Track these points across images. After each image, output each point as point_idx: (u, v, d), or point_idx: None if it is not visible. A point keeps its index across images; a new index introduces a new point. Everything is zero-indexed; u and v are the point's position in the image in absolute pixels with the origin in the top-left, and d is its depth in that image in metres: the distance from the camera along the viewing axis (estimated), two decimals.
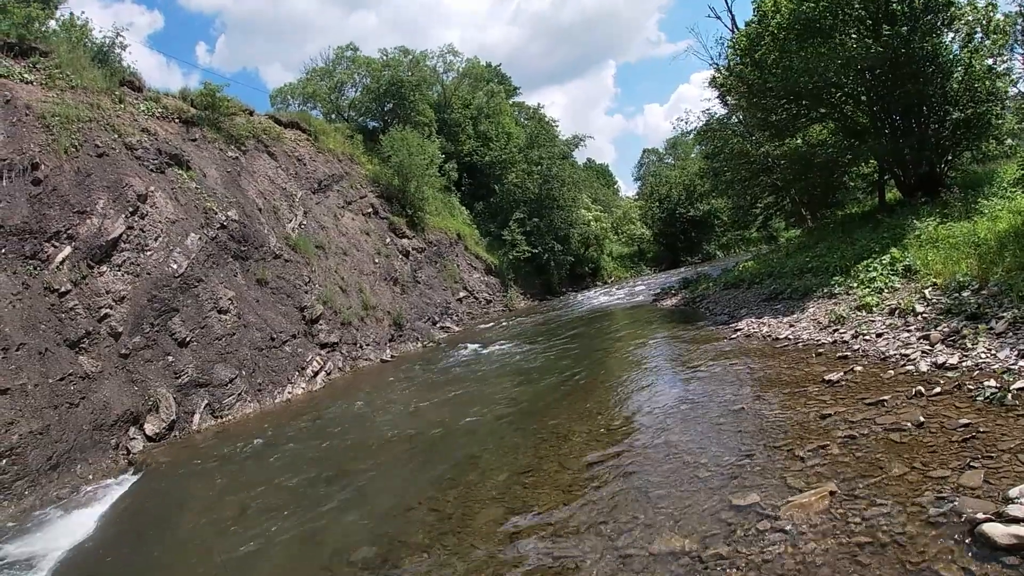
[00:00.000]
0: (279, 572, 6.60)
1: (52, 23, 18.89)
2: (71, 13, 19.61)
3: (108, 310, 13.70)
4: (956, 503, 4.39)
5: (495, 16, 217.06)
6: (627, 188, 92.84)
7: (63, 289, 13.03)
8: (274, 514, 8.33)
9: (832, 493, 5.00)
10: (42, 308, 12.47)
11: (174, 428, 13.59)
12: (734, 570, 4.40)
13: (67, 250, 13.54)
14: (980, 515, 4.14)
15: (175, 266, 15.65)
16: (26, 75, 15.83)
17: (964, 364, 7.05)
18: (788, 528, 4.70)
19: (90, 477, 11.27)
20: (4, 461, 9.95)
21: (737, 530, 4.90)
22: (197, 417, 14.25)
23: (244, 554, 7.25)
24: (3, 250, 12.37)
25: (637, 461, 7.06)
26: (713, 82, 25.23)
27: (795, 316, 12.35)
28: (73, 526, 8.92)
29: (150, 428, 13.12)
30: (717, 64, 25.99)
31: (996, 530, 3.91)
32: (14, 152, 13.47)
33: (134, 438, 12.78)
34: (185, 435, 13.68)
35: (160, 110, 19.66)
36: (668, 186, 57.99)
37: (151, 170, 16.73)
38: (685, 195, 55.28)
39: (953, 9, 15.75)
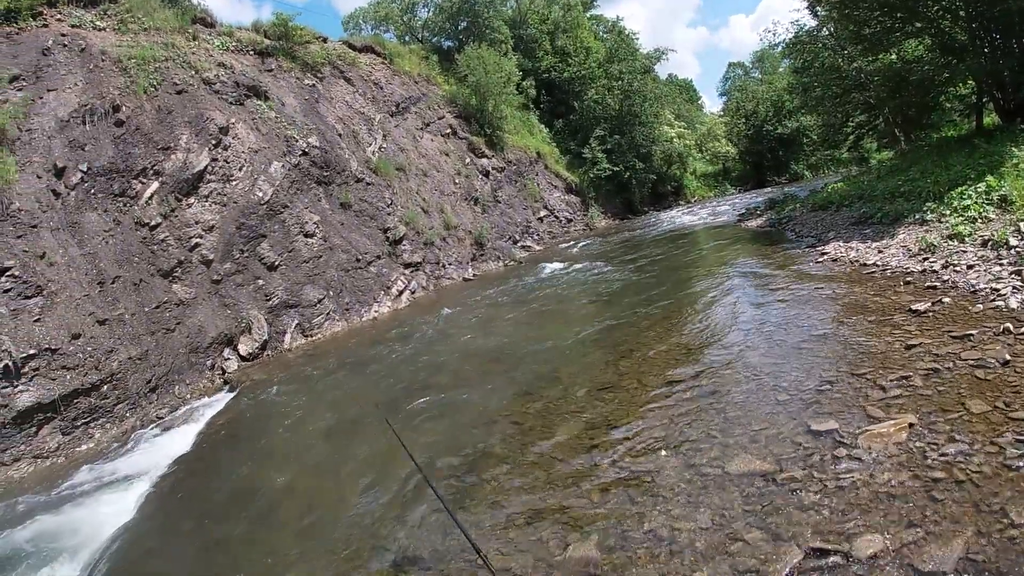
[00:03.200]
0: (366, 480, 6.95)
1: None
2: None
3: (198, 239, 14.39)
4: None
5: None
6: (712, 104, 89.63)
7: (153, 222, 13.71)
8: (360, 426, 8.82)
9: (911, 425, 4.97)
10: (134, 242, 13.16)
11: (266, 347, 14.38)
12: (808, 494, 4.48)
13: (154, 185, 14.15)
14: None
15: (260, 194, 16.19)
16: (98, 22, 16.32)
17: None
18: (864, 457, 4.73)
19: (188, 397, 12.07)
20: (106, 387, 10.63)
21: (813, 455, 4.97)
22: (288, 336, 15.00)
23: (330, 464, 7.77)
24: (93, 190, 12.98)
25: (716, 381, 7.11)
26: None
27: (884, 242, 11.87)
28: (171, 443, 9.53)
29: (244, 348, 13.91)
30: None
31: None
32: (95, 97, 14.00)
33: (228, 358, 13.59)
34: (277, 353, 14.47)
35: (234, 44, 20.01)
36: (755, 102, 55.21)
37: (230, 103, 17.16)
38: (772, 112, 52.70)
39: None
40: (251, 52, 20.53)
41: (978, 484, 4.11)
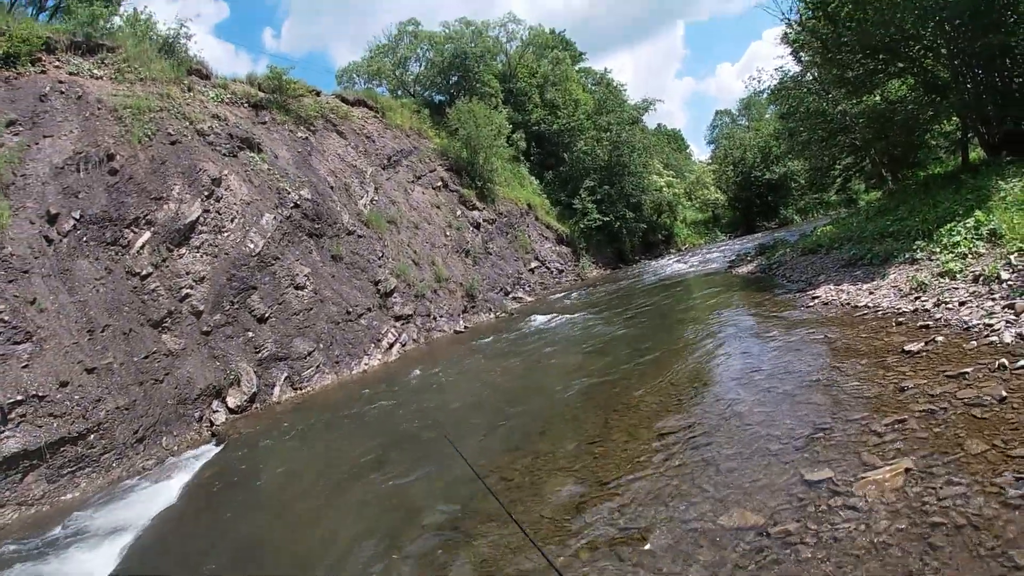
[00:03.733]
0: (351, 536, 6.82)
1: (116, 19, 19.57)
2: (134, 9, 20.30)
3: (189, 290, 14.33)
4: None
5: None
6: (700, 152, 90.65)
7: (144, 272, 13.69)
8: (348, 481, 8.71)
9: (907, 470, 4.81)
10: (125, 291, 13.12)
11: (255, 400, 14.22)
12: (803, 547, 4.30)
13: (146, 235, 14.18)
14: None
15: (252, 245, 16.18)
16: (95, 71, 16.56)
17: None
18: (860, 506, 4.56)
19: (175, 448, 11.95)
20: (92, 436, 10.57)
21: (808, 506, 4.79)
22: (277, 389, 14.82)
23: (316, 518, 7.62)
24: (85, 238, 13.00)
25: (708, 433, 6.95)
26: (785, 38, 24.04)
27: (875, 283, 11.84)
28: (157, 496, 9.42)
29: (232, 401, 13.75)
30: (788, 19, 24.84)
31: None
32: (89, 145, 14.13)
33: (217, 411, 13.43)
34: (266, 407, 14.30)
35: (229, 96, 20.29)
36: (742, 148, 55.89)
37: (223, 154, 17.31)
38: (760, 157, 53.30)
39: None
40: (245, 104, 20.79)
41: (978, 527, 3.96)
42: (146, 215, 14.30)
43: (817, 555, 4.18)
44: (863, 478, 4.87)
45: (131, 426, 11.38)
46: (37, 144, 13.41)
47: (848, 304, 11.31)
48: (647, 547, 4.95)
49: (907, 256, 12.14)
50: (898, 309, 9.77)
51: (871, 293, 11.32)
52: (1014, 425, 5.04)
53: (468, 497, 7.05)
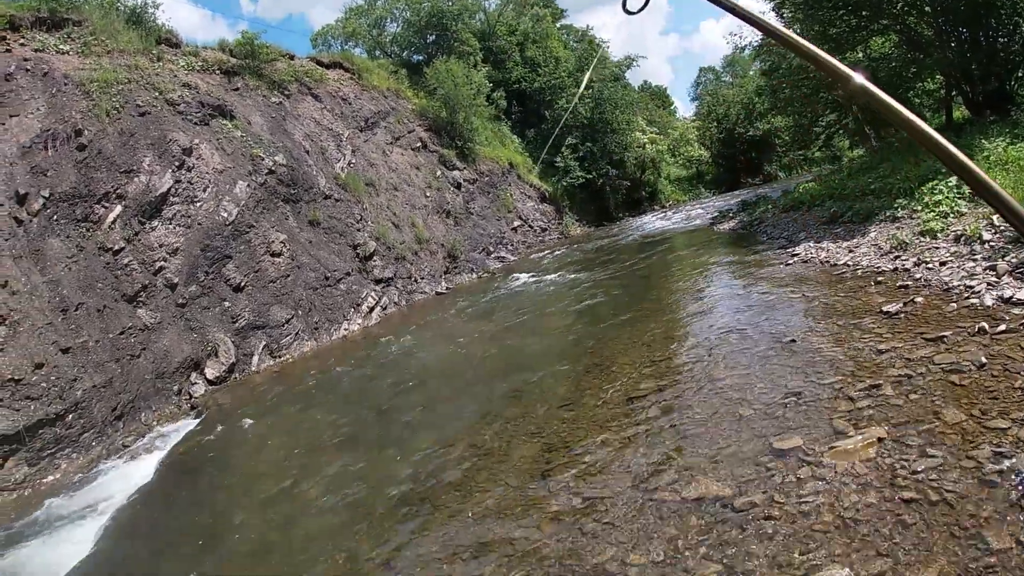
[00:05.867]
0: (321, 509, 6.83)
1: None
2: None
3: (163, 263, 14.06)
4: (1015, 460, 3.98)
5: None
6: (685, 109, 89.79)
7: (116, 247, 13.38)
8: (322, 452, 8.72)
9: (880, 440, 4.65)
10: (98, 267, 12.83)
11: (234, 371, 14.07)
12: (767, 521, 4.17)
13: (117, 209, 13.83)
14: None
15: (225, 214, 15.88)
16: (61, 46, 15.92)
17: None
18: (829, 477, 4.41)
19: (154, 423, 11.80)
20: (71, 416, 10.39)
21: (775, 476, 4.65)
22: (256, 358, 14.68)
23: (290, 491, 7.61)
24: (55, 216, 12.65)
25: (679, 397, 6.83)
26: None
27: (855, 241, 11.73)
28: (136, 472, 9.37)
29: (211, 372, 13.60)
30: None
31: None
32: (57, 122, 13.67)
33: (195, 383, 13.26)
34: (245, 376, 14.20)
35: (200, 64, 19.63)
36: (726, 105, 55.39)
37: (195, 123, 16.82)
38: (744, 114, 52.83)
39: None
40: (217, 71, 20.16)
41: (952, 504, 3.79)
42: (116, 189, 13.94)
43: (781, 530, 4.05)
44: (834, 447, 4.74)
45: (109, 403, 11.21)
46: (3, 124, 12.95)
47: (828, 262, 11.21)
48: (609, 519, 4.85)
49: (888, 214, 12.03)
50: (877, 268, 9.67)
51: (851, 251, 11.23)
52: (993, 393, 4.86)
53: (432, 468, 7.02)
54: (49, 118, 13.64)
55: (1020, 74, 17.02)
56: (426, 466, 7.14)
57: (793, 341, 7.48)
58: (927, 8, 16.38)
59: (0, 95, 13.40)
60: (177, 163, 15.40)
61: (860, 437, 4.77)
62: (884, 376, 5.73)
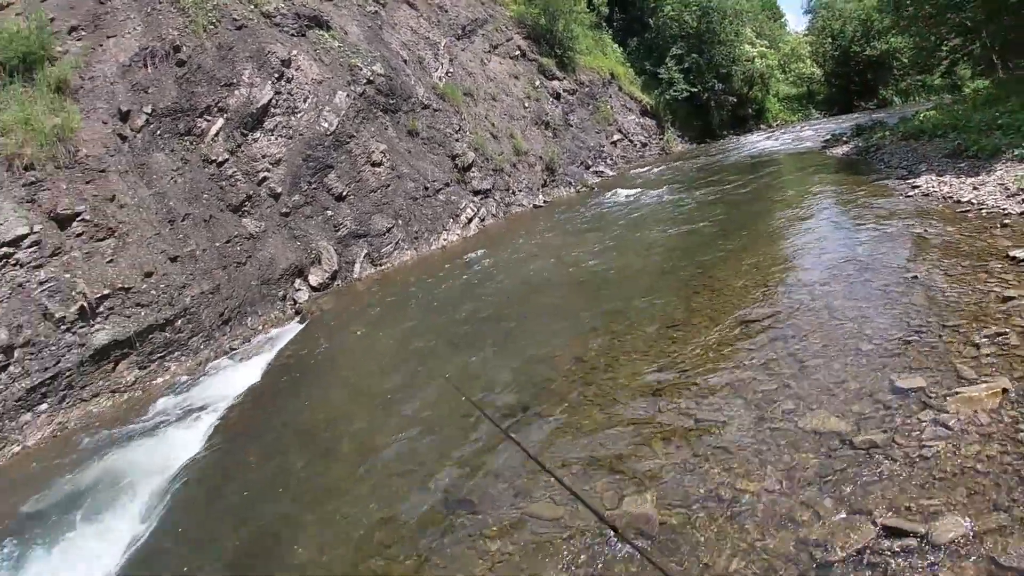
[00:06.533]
0: (425, 412, 7.01)
1: None
2: None
3: (266, 173, 14.44)
4: None
5: None
6: (797, 23, 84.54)
7: (220, 159, 13.76)
8: (425, 358, 8.88)
9: (1005, 391, 4.40)
10: (202, 179, 13.26)
11: (336, 278, 14.54)
12: (887, 462, 4.07)
13: (220, 122, 14.14)
14: None
15: (326, 124, 16.07)
16: None
17: None
18: (952, 424, 4.22)
19: (259, 328, 12.35)
20: (180, 321, 10.95)
21: (896, 416, 4.50)
22: (357, 266, 15.12)
23: (393, 396, 7.80)
24: (159, 131, 13.01)
25: (794, 324, 6.62)
26: None
27: (980, 178, 10.88)
28: (243, 375, 9.80)
29: (314, 279, 14.09)
30: None
31: None
32: (154, 40, 13.86)
33: (299, 289, 13.79)
34: (347, 283, 14.65)
35: None
36: (842, 21, 51.23)
37: (292, 35, 16.88)
38: (861, 32, 48.85)
39: None
40: None
41: None
42: (217, 103, 14.21)
43: (901, 473, 3.96)
44: (958, 393, 4.52)
45: (216, 309, 11.75)
46: (101, 46, 13.24)
47: (950, 198, 10.49)
48: (722, 443, 4.84)
49: (1017, 153, 11.11)
50: (1004, 210, 8.97)
51: (975, 188, 10.45)
52: None
53: (538, 378, 7.06)
54: (146, 36, 13.85)
55: None
56: (531, 376, 7.20)
57: (916, 277, 7.09)
58: None
59: (96, 18, 13.63)
60: (276, 75, 15.56)
61: (984, 386, 4.53)
62: (1010, 324, 5.39)
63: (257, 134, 14.78)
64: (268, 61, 15.46)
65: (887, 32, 37.27)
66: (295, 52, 16.36)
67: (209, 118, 13.99)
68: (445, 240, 17.53)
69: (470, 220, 18.82)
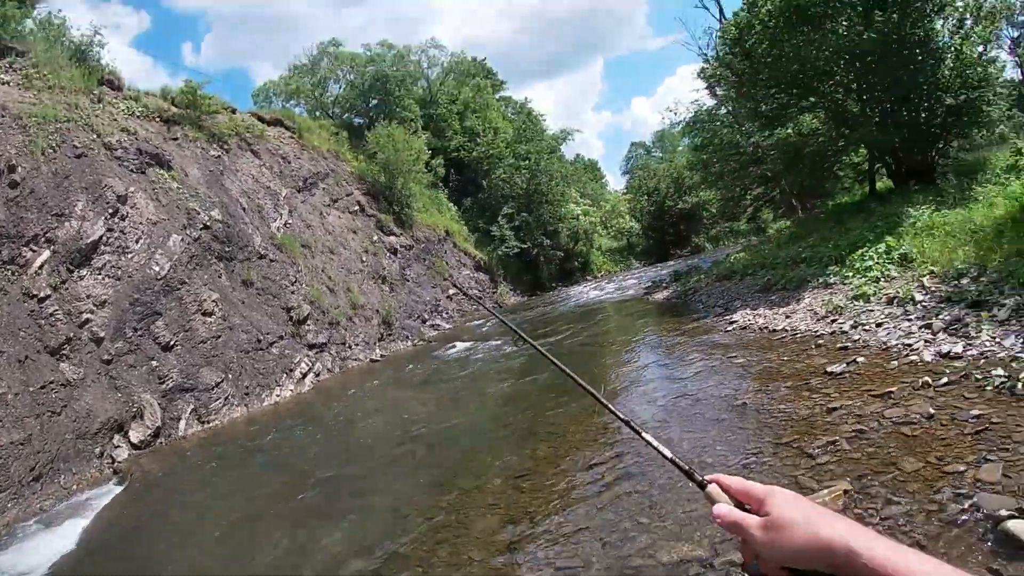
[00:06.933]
0: None
1: (29, 22, 18.57)
2: (48, 12, 19.30)
3: (89, 315, 13.38)
4: (975, 499, 4.15)
5: (485, 10, 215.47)
6: (616, 182, 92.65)
7: (42, 294, 12.69)
8: (260, 524, 8.14)
9: (846, 492, 4.75)
10: (21, 314, 12.13)
11: (159, 435, 13.27)
12: None
13: (46, 254, 13.21)
14: (1003, 512, 3.90)
15: (157, 268, 15.32)
16: (2, 75, 15.54)
17: (969, 353, 6.79)
18: None
19: (74, 487, 10.97)
20: None
21: None
22: (183, 423, 13.93)
23: (228, 569, 7.06)
24: None
25: (638, 462, 6.72)
26: (702, 73, 25.05)
27: (791, 307, 12.14)
28: (54, 540, 8.62)
29: (135, 435, 12.81)
30: (706, 55, 25.81)
31: (1021, 527, 3.69)
32: None
33: (119, 446, 12.46)
34: (171, 441, 13.39)
35: (140, 109, 19.34)
36: (656, 179, 57.80)
37: (131, 170, 16.38)
38: (673, 188, 55.19)
39: None
40: (157, 119, 19.87)
41: (923, 545, 3.87)
42: (46, 232, 13.37)
43: None
44: None
45: (27, 463, 10.44)
46: None
47: (766, 328, 11.52)
48: None
49: (820, 281, 12.55)
50: (816, 332, 9.99)
51: (788, 317, 11.58)
52: (945, 441, 5.08)
53: (387, 542, 6.67)
54: None
55: (941, 145, 18.37)
56: (379, 539, 6.74)
57: (744, 404, 7.59)
58: (854, 86, 17.55)
59: None
60: (111, 210, 14.88)
61: (827, 491, 4.83)
62: (839, 432, 5.87)
63: (84, 271, 13.86)
64: (104, 195, 14.82)
65: (697, 187, 41.78)
66: (132, 189, 15.80)
67: (35, 248, 13.08)
68: (278, 396, 16.59)
69: (305, 375, 18.07)
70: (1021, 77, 30.97)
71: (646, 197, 58.15)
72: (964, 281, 8.89)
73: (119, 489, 10.73)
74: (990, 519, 3.92)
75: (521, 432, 9.53)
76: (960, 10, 16.20)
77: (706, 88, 26.11)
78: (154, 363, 14.14)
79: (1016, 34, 30.21)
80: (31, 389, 11.32)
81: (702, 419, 7.59)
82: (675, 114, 30.50)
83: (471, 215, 43.51)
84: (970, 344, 7.00)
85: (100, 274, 14.11)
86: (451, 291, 32.97)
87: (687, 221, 56.07)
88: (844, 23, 15.96)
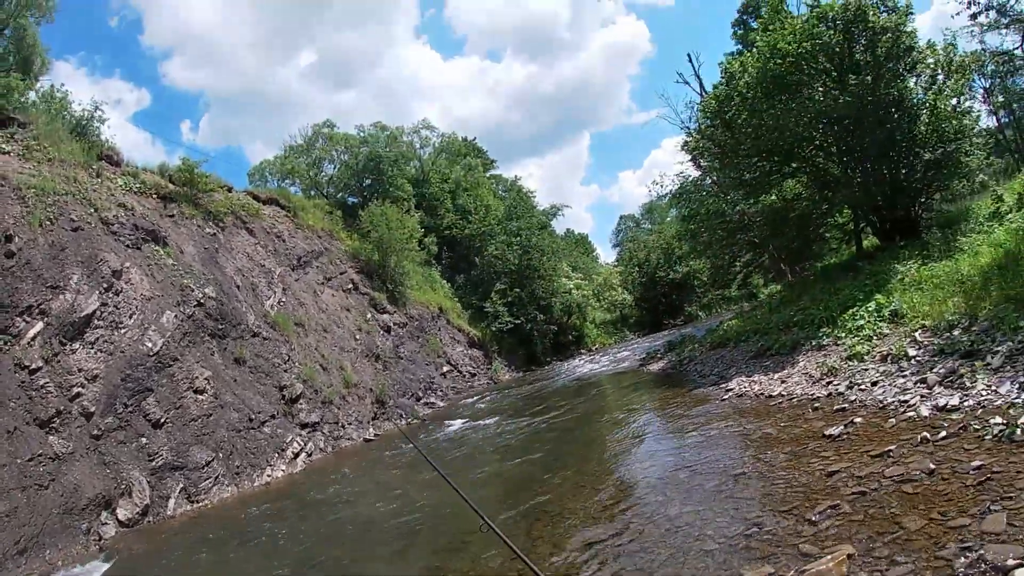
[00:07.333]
0: None
1: (32, 94, 19.08)
2: (51, 85, 19.85)
3: (80, 389, 13.25)
4: (982, 552, 4.09)
5: (473, 89, 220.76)
6: (606, 255, 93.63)
7: (34, 366, 12.63)
8: None
9: (850, 556, 4.65)
10: (12, 385, 12.05)
11: (148, 513, 12.93)
12: None
13: (39, 326, 13.20)
14: (1010, 561, 3.86)
15: (150, 344, 15.25)
16: (3, 145, 15.94)
17: (966, 404, 6.85)
18: None
19: (59, 564, 10.66)
20: None
21: None
22: (172, 502, 13.59)
23: None
24: None
25: (638, 539, 6.63)
26: (685, 146, 25.60)
27: (786, 371, 12.16)
28: None
29: (123, 513, 12.49)
30: (688, 128, 26.52)
31: None
32: None
33: (106, 523, 12.12)
34: (160, 520, 13.01)
35: (138, 185, 19.68)
36: (646, 251, 58.44)
37: (127, 246, 16.53)
38: (663, 258, 55.70)
39: (915, 54, 16.40)
40: (154, 195, 20.16)
41: None
42: (40, 304, 13.40)
43: None
44: (805, 571, 4.65)
45: (12, 535, 10.23)
46: None
47: (762, 394, 11.51)
48: None
49: (814, 343, 12.60)
50: (812, 395, 10.00)
51: (783, 382, 11.59)
52: (948, 495, 5.04)
53: None
54: None
55: (923, 199, 18.75)
56: None
57: (743, 473, 7.54)
58: (833, 149, 18.03)
59: None
60: (105, 285, 14.93)
61: (829, 557, 4.73)
62: (840, 496, 5.83)
63: (76, 345, 13.80)
64: (99, 269, 14.89)
65: (687, 257, 42.17)
66: (128, 264, 15.89)
67: (29, 319, 13.09)
68: (270, 476, 16.16)
69: (297, 455, 17.64)
70: (996, 124, 32.00)
71: (637, 268, 58.66)
72: (956, 332, 8.96)
73: (105, 566, 10.44)
74: (998, 570, 3.86)
75: (518, 512, 9.28)
76: (932, 66, 16.84)
77: (690, 160, 26.69)
78: (144, 440, 13.90)
79: (988, 83, 31.20)
80: (19, 461, 11.15)
81: (701, 491, 7.50)
82: (661, 186, 31.09)
83: (464, 292, 43.69)
84: (966, 395, 7.05)
85: (93, 348, 14.04)
86: (445, 368, 32.79)
87: (679, 290, 56.38)
88: (820, 89, 16.53)
